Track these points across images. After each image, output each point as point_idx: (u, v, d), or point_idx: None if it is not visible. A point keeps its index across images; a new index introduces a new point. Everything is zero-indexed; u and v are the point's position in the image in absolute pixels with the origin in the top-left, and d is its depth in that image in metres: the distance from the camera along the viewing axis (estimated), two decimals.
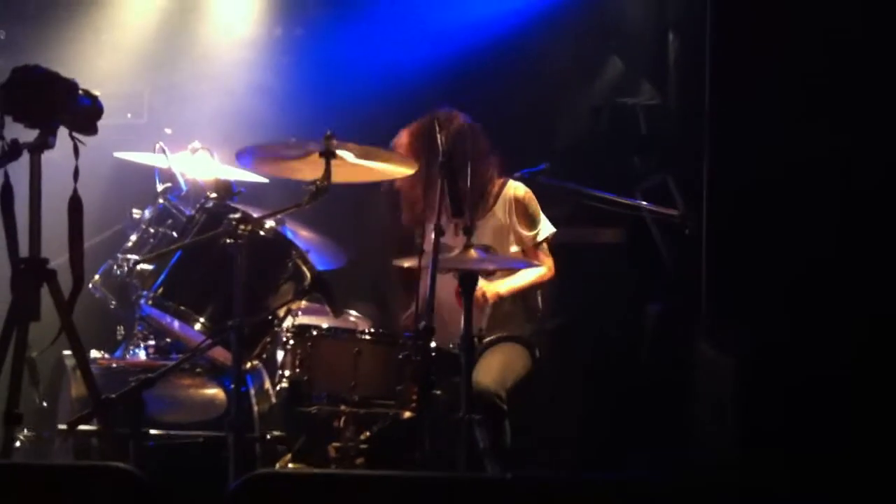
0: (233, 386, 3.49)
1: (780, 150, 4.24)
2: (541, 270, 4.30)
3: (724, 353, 4.24)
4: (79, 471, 2.12)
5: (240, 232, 3.50)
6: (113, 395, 3.16)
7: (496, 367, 4.04)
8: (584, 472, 4.04)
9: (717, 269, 4.43)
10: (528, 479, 2.33)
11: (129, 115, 5.35)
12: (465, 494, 2.13)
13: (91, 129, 3.17)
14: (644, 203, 4.88)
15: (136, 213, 4.30)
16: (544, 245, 4.38)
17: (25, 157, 3.05)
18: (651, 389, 4.66)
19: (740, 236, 4.38)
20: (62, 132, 3.11)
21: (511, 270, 4.28)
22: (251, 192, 4.20)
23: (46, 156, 3.08)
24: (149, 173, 4.43)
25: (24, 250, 3.00)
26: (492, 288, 4.18)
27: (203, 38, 5.46)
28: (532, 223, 4.35)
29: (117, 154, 4.57)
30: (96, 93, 3.20)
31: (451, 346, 3.84)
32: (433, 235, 3.66)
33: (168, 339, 4.01)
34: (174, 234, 4.03)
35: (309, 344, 3.74)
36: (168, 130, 4.51)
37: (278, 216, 3.79)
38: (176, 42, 5.42)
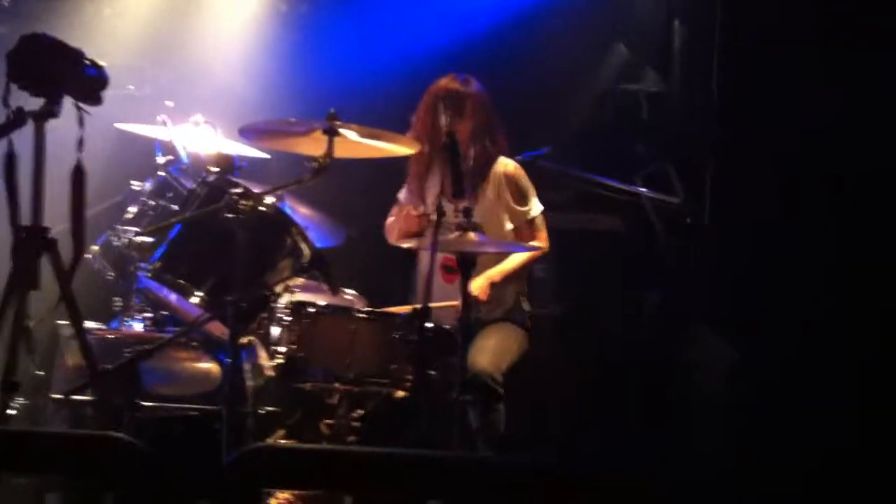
0: (228, 360, 3.49)
1: (787, 140, 4.24)
2: (531, 251, 4.27)
3: (723, 346, 4.25)
4: (80, 439, 2.13)
5: (240, 207, 3.50)
6: (109, 366, 3.16)
7: (492, 349, 4.04)
8: (574, 461, 4.06)
9: (720, 260, 4.43)
10: (520, 462, 2.34)
11: (130, 87, 5.33)
12: (457, 474, 2.13)
13: (96, 100, 3.16)
14: (644, 190, 4.88)
15: (136, 185, 4.30)
16: (537, 222, 4.33)
17: (29, 126, 3.05)
18: (648, 378, 4.67)
19: (743, 227, 4.39)
20: (66, 101, 3.10)
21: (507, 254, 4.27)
22: (252, 168, 4.19)
23: (49, 124, 3.08)
24: (149, 145, 4.41)
25: (25, 219, 3.00)
26: (480, 283, 4.10)
27: (207, 11, 5.44)
28: (523, 199, 4.30)
29: (118, 125, 4.55)
30: (102, 63, 3.19)
31: (446, 325, 3.84)
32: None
33: (164, 312, 4.01)
34: (174, 207, 4.02)
35: (306, 321, 3.75)
36: (170, 103, 4.49)
37: (279, 192, 3.79)
38: (180, 15, 5.40)
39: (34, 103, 3.08)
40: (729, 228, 4.61)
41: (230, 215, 3.49)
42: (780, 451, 4.03)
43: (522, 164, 4.47)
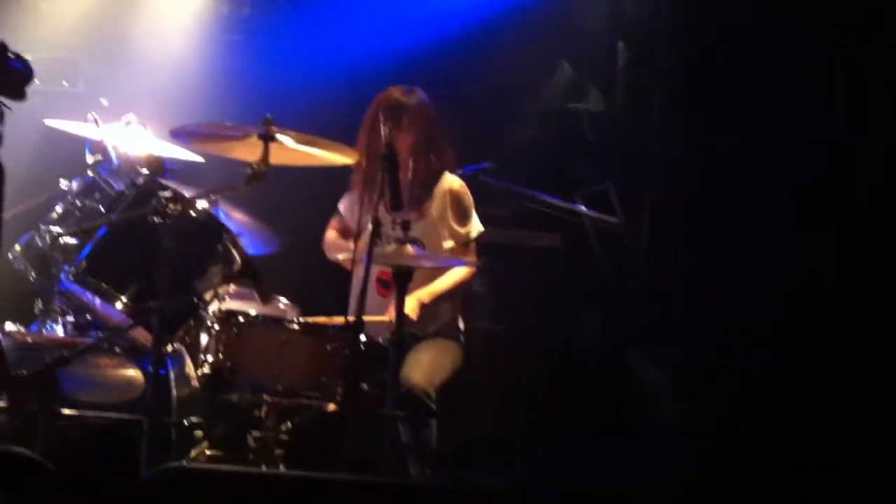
0: (151, 368, 3.38)
1: (724, 161, 4.25)
2: (464, 270, 4.21)
3: (659, 367, 4.24)
4: None
5: (169, 211, 3.40)
6: (24, 373, 3.03)
7: (425, 364, 3.97)
8: (508, 483, 4.02)
9: (656, 281, 4.42)
10: (449, 484, 2.28)
11: (64, 83, 5.19)
12: (380, 497, 2.07)
13: (19, 94, 3.04)
14: (584, 209, 4.86)
15: (64, 183, 4.16)
16: (473, 243, 4.29)
17: None
18: (585, 398, 4.64)
19: (681, 248, 4.38)
20: None
21: (443, 269, 4.20)
22: (185, 171, 4.09)
23: None
24: (80, 143, 4.28)
25: None
26: (410, 303, 3.95)
27: (147, 8, 5.33)
28: (465, 218, 4.26)
29: (48, 121, 4.42)
30: (28, 56, 3.07)
31: (380, 338, 3.78)
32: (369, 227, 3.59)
33: (87, 316, 3.88)
34: (101, 208, 3.90)
35: (235, 330, 3.65)
36: (104, 101, 4.38)
37: (211, 197, 3.69)
38: (118, 12, 5.28)
39: None
40: (668, 248, 4.60)
41: (158, 219, 3.38)
42: (720, 468, 4.04)
43: (463, 177, 4.42)
